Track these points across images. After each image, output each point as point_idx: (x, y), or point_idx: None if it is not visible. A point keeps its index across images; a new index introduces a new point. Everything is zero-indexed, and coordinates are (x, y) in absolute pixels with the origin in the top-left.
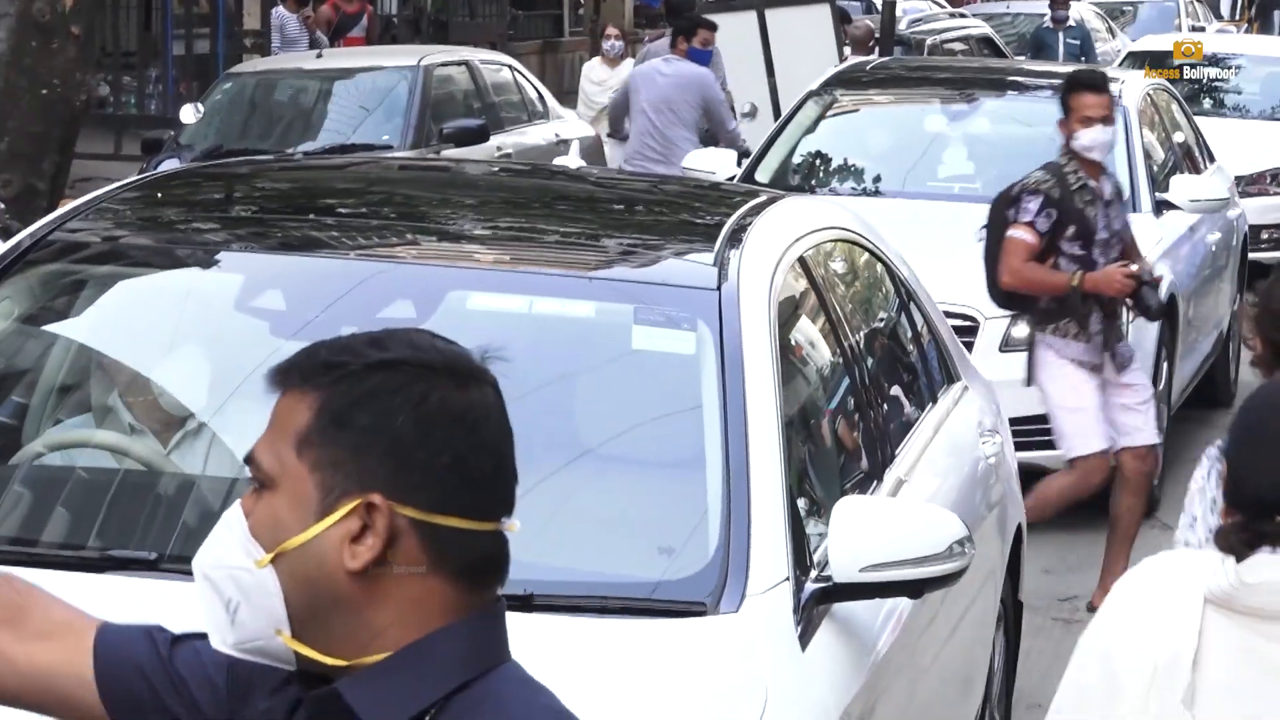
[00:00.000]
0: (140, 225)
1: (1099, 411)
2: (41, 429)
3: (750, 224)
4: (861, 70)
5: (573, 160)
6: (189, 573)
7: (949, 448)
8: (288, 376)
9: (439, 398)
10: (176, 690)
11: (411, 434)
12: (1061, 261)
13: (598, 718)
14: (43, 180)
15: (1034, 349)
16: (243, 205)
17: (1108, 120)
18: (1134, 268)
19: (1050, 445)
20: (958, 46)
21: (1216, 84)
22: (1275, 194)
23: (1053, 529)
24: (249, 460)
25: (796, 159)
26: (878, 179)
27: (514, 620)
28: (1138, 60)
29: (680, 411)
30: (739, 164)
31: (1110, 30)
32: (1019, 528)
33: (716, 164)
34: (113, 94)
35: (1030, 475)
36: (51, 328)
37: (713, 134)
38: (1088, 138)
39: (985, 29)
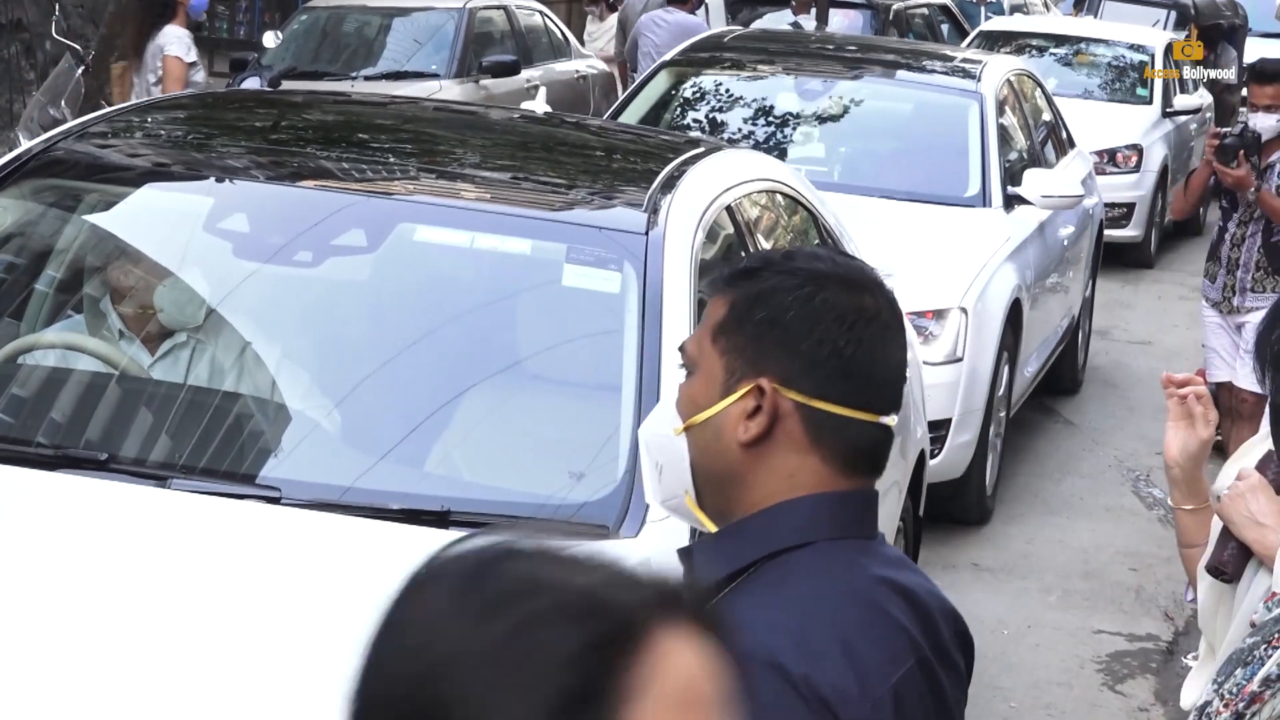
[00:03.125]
0: (139, 144)
1: (1222, 348)
2: (33, 330)
3: (684, 173)
4: (719, 41)
5: (539, 105)
6: (141, 475)
7: None
8: (716, 283)
9: (824, 298)
10: None
11: (798, 327)
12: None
13: None
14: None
15: None
16: (239, 132)
17: (1271, 109)
18: (1216, 130)
19: None
20: (920, 13)
21: (1065, 65)
22: (1110, 173)
23: None
24: (681, 349)
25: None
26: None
27: (430, 535)
28: (989, 40)
29: (601, 348)
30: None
31: (1046, 5)
32: (921, 453)
33: None
34: (207, 20)
35: None
36: (49, 235)
37: None
38: (1252, 121)
39: None
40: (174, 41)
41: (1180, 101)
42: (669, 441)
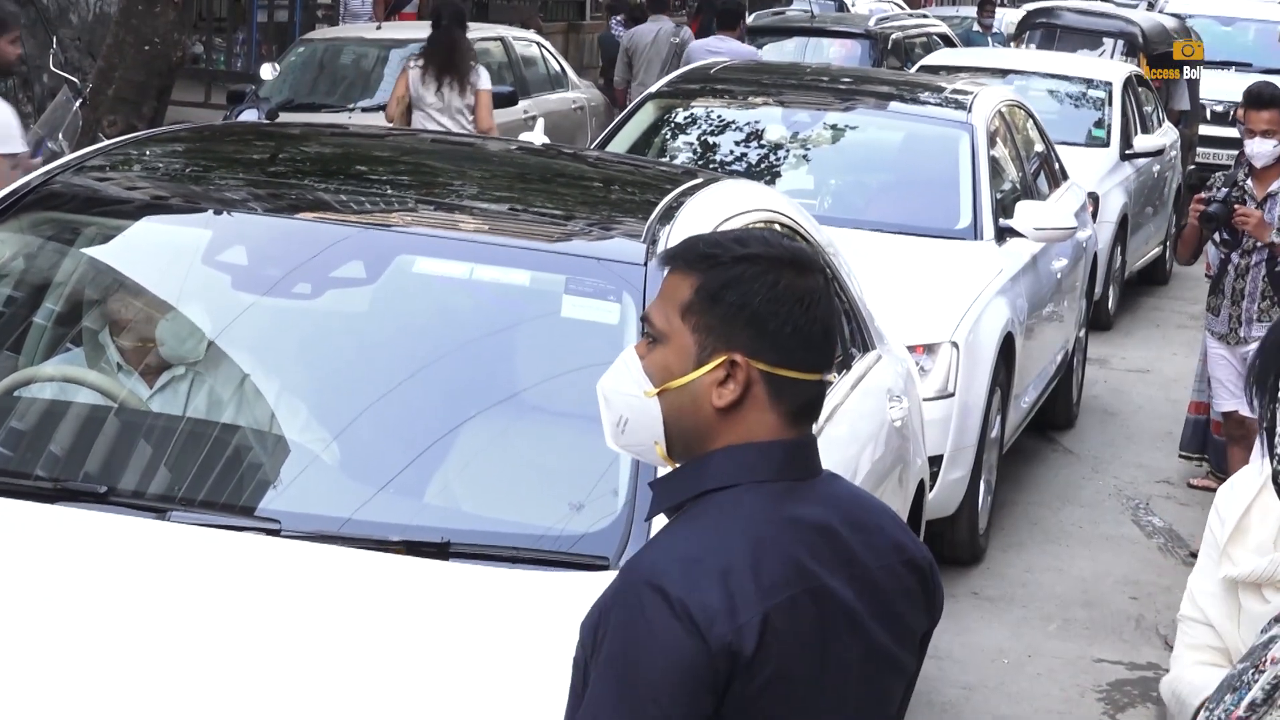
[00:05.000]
0: (137, 177)
1: (1228, 379)
2: (31, 363)
3: (683, 204)
4: (705, 72)
5: (537, 136)
6: (140, 507)
7: (859, 410)
8: (674, 260)
9: (785, 283)
10: None
11: (765, 309)
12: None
13: (494, 664)
14: (142, 122)
15: None
16: (237, 165)
17: (1269, 134)
18: (1201, 194)
19: None
20: (919, 42)
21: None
22: None
23: None
24: (645, 319)
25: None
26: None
27: (431, 567)
28: (931, 74)
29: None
30: None
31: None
32: (921, 483)
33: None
34: (205, 52)
35: None
36: (47, 268)
37: None
38: (1248, 147)
39: (943, 28)
40: (483, 75)
41: (1141, 143)
42: (636, 401)
